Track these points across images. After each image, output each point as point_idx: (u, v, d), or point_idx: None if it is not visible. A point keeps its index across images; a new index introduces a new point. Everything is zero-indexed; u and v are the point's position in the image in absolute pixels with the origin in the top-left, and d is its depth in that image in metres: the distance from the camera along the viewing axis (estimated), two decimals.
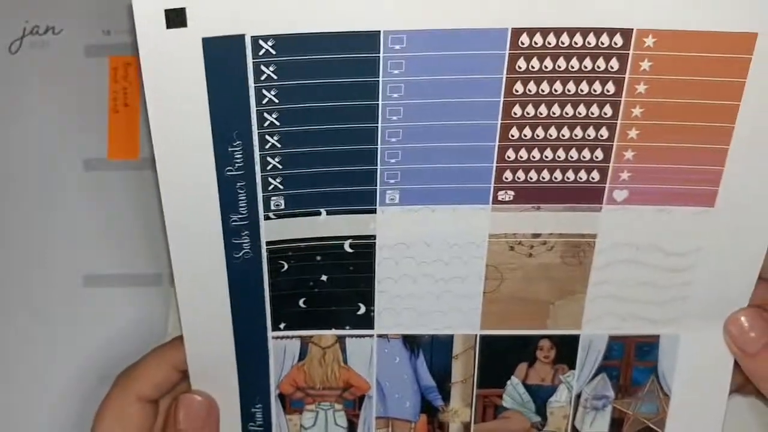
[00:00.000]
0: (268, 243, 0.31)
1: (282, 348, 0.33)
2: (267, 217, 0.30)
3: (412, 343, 0.34)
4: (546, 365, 0.34)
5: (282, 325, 0.33)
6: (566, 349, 0.34)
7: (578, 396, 0.35)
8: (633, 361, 0.34)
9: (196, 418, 0.33)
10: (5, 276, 0.37)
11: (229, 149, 0.28)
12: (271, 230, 0.31)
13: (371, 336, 0.33)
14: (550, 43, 0.27)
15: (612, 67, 0.28)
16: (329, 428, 0.35)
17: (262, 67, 0.27)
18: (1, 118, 0.37)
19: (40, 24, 0.37)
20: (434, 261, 0.32)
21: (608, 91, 0.28)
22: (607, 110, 0.29)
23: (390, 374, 0.34)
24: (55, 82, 0.37)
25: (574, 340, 0.34)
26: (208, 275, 0.31)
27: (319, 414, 0.35)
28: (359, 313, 0.33)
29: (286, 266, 0.31)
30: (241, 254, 0.31)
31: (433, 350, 0.34)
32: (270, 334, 0.33)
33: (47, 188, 0.37)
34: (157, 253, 0.37)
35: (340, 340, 0.33)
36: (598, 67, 0.28)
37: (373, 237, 0.31)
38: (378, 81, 0.27)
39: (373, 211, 0.30)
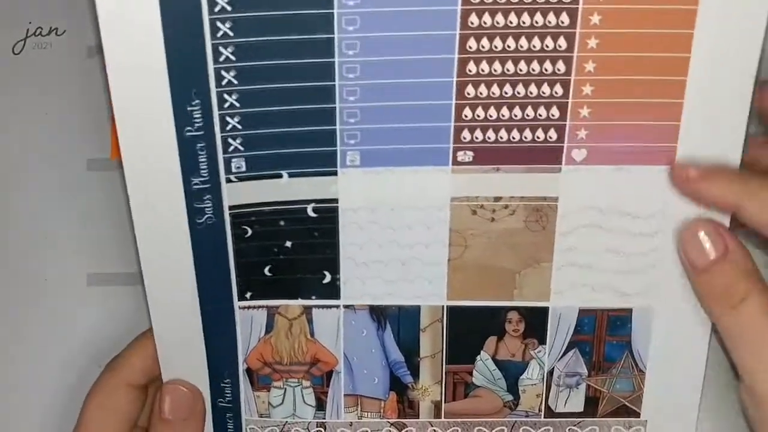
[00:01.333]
0: (231, 207, 0.32)
1: (249, 319, 0.34)
2: (228, 180, 0.31)
3: (379, 314, 0.34)
4: (515, 339, 0.34)
5: (248, 294, 0.33)
6: (535, 322, 0.34)
7: (551, 373, 0.35)
8: (605, 336, 0.34)
9: (181, 407, 0.34)
10: (8, 275, 0.38)
11: (188, 108, 0.29)
12: (234, 194, 0.32)
13: (338, 306, 0.34)
14: None
15: (563, 22, 0.29)
16: (297, 406, 0.35)
17: (218, 24, 0.28)
18: (4, 118, 0.38)
19: (43, 25, 0.38)
20: (398, 226, 0.33)
21: (560, 46, 0.29)
22: (560, 66, 0.30)
23: (357, 348, 0.35)
24: (58, 82, 0.38)
25: (543, 312, 0.34)
26: (171, 242, 0.32)
27: (287, 391, 0.35)
28: (325, 281, 0.33)
29: (250, 232, 0.32)
30: (204, 219, 0.32)
31: (400, 322, 0.34)
32: (236, 303, 0.33)
33: (50, 188, 0.38)
34: None
35: (307, 311, 0.34)
36: (549, 22, 0.29)
37: (336, 201, 0.32)
38: (333, 38, 0.29)
39: (335, 173, 0.31)
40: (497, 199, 0.32)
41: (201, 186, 0.31)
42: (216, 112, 0.30)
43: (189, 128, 0.30)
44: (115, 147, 0.37)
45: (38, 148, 0.38)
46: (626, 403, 0.35)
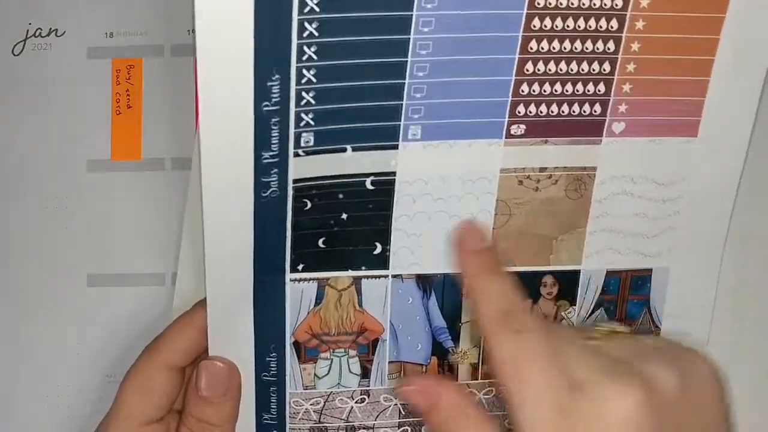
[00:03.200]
0: (295, 181, 0.33)
1: (299, 292, 0.35)
2: (296, 155, 0.32)
3: (424, 283, 0.36)
4: (549, 302, 0.38)
5: (300, 267, 0.35)
6: (568, 285, 0.37)
7: None
8: (628, 295, 0.38)
9: (218, 384, 0.35)
10: (9, 276, 0.39)
11: (268, 84, 0.30)
12: (299, 168, 0.33)
13: (386, 276, 0.36)
14: None
15: (617, 5, 0.32)
16: (343, 376, 0.37)
17: (307, 0, 0.29)
18: (4, 119, 0.39)
19: (43, 26, 0.39)
20: (448, 196, 0.35)
21: (612, 27, 0.33)
22: (611, 45, 0.33)
23: (403, 316, 0.37)
24: (58, 83, 0.39)
25: (574, 275, 0.37)
26: (235, 213, 0.32)
27: (333, 362, 0.37)
28: (375, 252, 0.35)
29: (309, 204, 0.34)
30: (268, 193, 0.33)
31: (444, 290, 0.37)
32: (288, 276, 0.35)
33: (51, 189, 0.39)
34: (161, 254, 0.39)
35: (356, 282, 0.36)
36: (605, 4, 0.32)
37: (394, 173, 0.34)
38: (411, 15, 0.31)
39: (396, 147, 0.33)
40: (542, 169, 0.35)
41: (270, 160, 0.32)
42: (293, 88, 0.31)
43: (266, 103, 0.31)
44: (116, 148, 0.39)
45: (38, 148, 0.39)
46: None
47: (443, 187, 0.35)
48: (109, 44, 0.39)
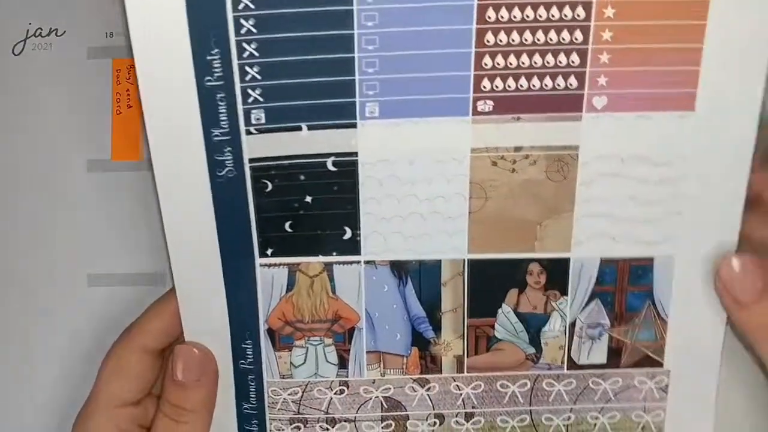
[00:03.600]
0: (251, 160, 0.32)
1: (270, 277, 0.35)
2: (248, 132, 0.32)
3: (399, 269, 0.35)
4: (537, 291, 0.35)
5: (269, 251, 0.34)
6: (557, 274, 0.35)
7: (573, 325, 0.36)
8: (627, 286, 0.35)
9: (192, 368, 0.35)
10: (9, 275, 0.39)
11: (208, 58, 0.30)
12: (254, 146, 0.32)
13: (358, 262, 0.35)
14: None
15: None
16: (320, 365, 0.36)
17: None
18: (4, 119, 0.39)
19: (43, 26, 0.39)
20: (417, 179, 0.33)
21: None
22: (580, 12, 0.30)
23: (379, 304, 0.35)
24: (58, 83, 0.39)
25: (564, 263, 0.35)
26: (192, 195, 0.32)
27: (309, 350, 0.36)
28: (345, 237, 0.34)
29: (270, 186, 0.33)
30: (224, 172, 0.32)
31: (421, 277, 0.35)
32: (257, 261, 0.34)
33: (51, 189, 0.39)
34: (160, 253, 0.39)
35: (328, 267, 0.35)
36: None
37: (355, 154, 0.33)
38: None
39: (354, 126, 0.32)
40: (518, 149, 0.33)
41: (221, 138, 0.32)
42: (235, 62, 0.30)
43: (209, 78, 0.30)
44: (116, 148, 0.39)
45: (38, 148, 0.39)
46: (649, 354, 0.36)
47: (411, 169, 0.33)
48: (109, 44, 0.39)
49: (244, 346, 0.36)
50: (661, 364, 0.36)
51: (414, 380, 0.36)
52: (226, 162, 0.32)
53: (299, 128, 0.32)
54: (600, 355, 0.36)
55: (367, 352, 0.36)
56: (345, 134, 0.32)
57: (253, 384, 0.36)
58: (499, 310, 0.36)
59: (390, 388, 0.37)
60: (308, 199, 0.34)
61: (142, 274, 0.39)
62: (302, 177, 0.33)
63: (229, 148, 0.32)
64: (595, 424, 0.37)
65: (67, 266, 0.38)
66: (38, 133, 0.39)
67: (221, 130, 0.32)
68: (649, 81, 0.31)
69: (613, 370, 0.36)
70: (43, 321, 0.39)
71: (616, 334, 0.36)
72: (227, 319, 0.35)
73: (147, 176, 0.39)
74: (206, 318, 0.35)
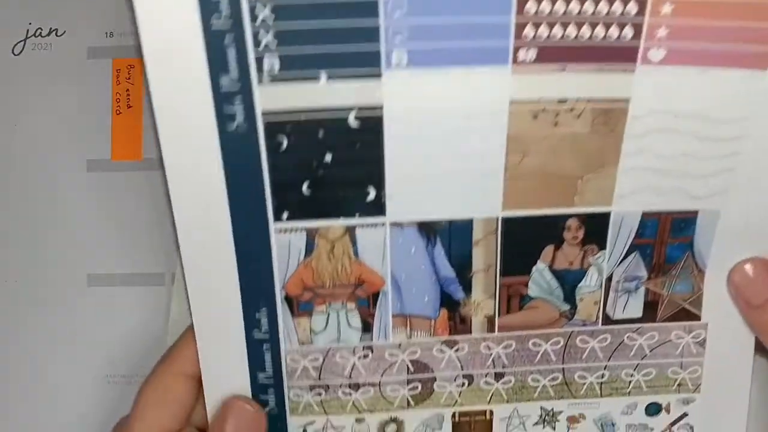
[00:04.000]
0: (264, 113, 0.29)
1: (286, 243, 0.32)
2: (261, 81, 0.28)
3: (428, 230, 0.32)
4: (574, 247, 0.33)
5: (285, 215, 0.31)
6: (596, 229, 0.32)
7: (609, 279, 0.34)
8: (667, 238, 0.33)
9: (244, 428, 0.33)
10: (9, 275, 0.38)
11: None
12: (267, 97, 0.29)
13: (383, 224, 0.32)
14: None
15: None
16: (342, 331, 0.34)
17: None
18: (4, 119, 0.38)
19: (43, 26, 0.38)
20: (449, 136, 0.30)
21: None
22: None
23: (406, 266, 0.33)
24: (58, 83, 0.38)
25: (604, 218, 0.32)
26: (199, 151, 0.29)
27: (330, 316, 0.33)
28: (369, 198, 0.31)
29: (285, 143, 0.29)
30: (234, 126, 0.29)
31: (451, 237, 0.32)
32: (272, 226, 0.31)
33: (51, 189, 0.38)
34: (161, 254, 0.38)
35: (350, 230, 0.32)
36: None
37: (380, 107, 0.29)
38: None
39: (379, 76, 0.28)
40: (562, 101, 0.30)
41: (231, 88, 0.28)
42: (244, 1, 0.26)
43: (216, 16, 0.26)
44: (116, 148, 0.38)
45: (38, 148, 0.38)
46: (686, 306, 0.34)
47: (442, 124, 0.30)
48: (109, 44, 0.38)
49: (258, 315, 0.33)
50: (698, 318, 0.35)
51: (442, 342, 0.35)
52: (237, 115, 0.29)
53: (317, 78, 0.28)
54: (636, 309, 0.35)
55: (392, 315, 0.34)
56: (368, 85, 0.29)
57: (268, 353, 0.34)
58: (534, 268, 0.33)
59: (417, 351, 0.35)
60: (328, 157, 0.30)
61: (142, 274, 0.38)
62: (321, 133, 0.30)
63: (239, 99, 0.28)
64: (629, 382, 0.36)
65: (67, 266, 0.38)
66: (38, 133, 0.38)
67: (230, 79, 0.28)
68: (716, 36, 0.28)
69: (649, 324, 0.35)
70: (43, 321, 0.38)
71: (652, 285, 0.34)
72: (238, 288, 0.32)
73: (147, 176, 0.39)
74: (215, 287, 0.32)
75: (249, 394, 0.34)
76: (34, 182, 0.38)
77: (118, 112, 0.38)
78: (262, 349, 0.34)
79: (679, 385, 0.36)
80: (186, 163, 0.29)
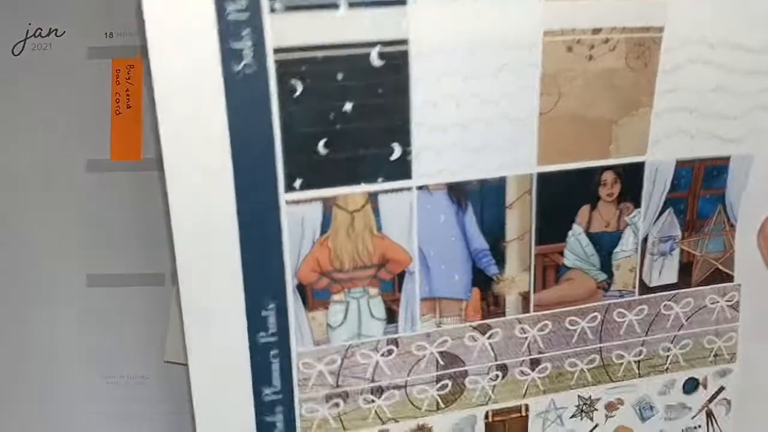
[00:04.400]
0: (276, 51, 0.24)
1: (299, 218, 0.26)
2: (272, 9, 0.24)
3: (458, 193, 0.28)
4: (610, 205, 0.30)
5: (298, 183, 0.26)
6: (631, 182, 0.30)
7: (645, 240, 0.30)
8: (700, 190, 0.30)
9: None
10: (9, 275, 0.38)
11: None
12: (279, 30, 0.24)
13: (409, 189, 0.27)
14: None
15: None
16: (363, 323, 0.28)
17: None
18: (4, 119, 0.38)
19: (43, 26, 0.38)
20: (481, 74, 0.26)
21: None
22: None
23: (434, 239, 0.28)
24: (58, 83, 0.38)
25: (639, 169, 0.29)
26: (198, 96, 0.24)
27: (350, 305, 0.28)
28: (393, 157, 0.27)
29: (300, 88, 0.25)
30: (241, 66, 0.24)
31: (483, 201, 0.28)
32: (283, 197, 0.26)
33: (51, 189, 0.38)
34: (160, 254, 0.38)
35: (372, 199, 0.27)
36: None
37: (406, 42, 0.25)
38: None
39: (403, 2, 0.25)
40: (596, 31, 0.27)
41: (238, 15, 0.23)
42: None
43: None
44: (116, 148, 0.38)
45: (38, 148, 0.38)
46: (719, 266, 0.32)
47: (472, 61, 0.26)
48: (109, 44, 0.38)
49: (264, 313, 0.27)
50: (731, 278, 0.32)
51: (474, 328, 0.30)
52: (245, 51, 0.24)
53: (336, 6, 0.24)
54: (671, 273, 0.32)
55: (420, 299, 0.29)
56: (393, 14, 0.25)
57: (276, 361, 0.28)
58: (570, 233, 0.30)
59: (447, 341, 0.30)
60: (347, 107, 0.26)
61: (142, 274, 0.38)
62: (340, 76, 0.25)
63: (248, 31, 0.24)
64: (667, 357, 0.32)
65: (67, 266, 0.38)
66: (38, 133, 0.38)
67: (237, 5, 0.23)
68: None
69: (684, 290, 0.32)
70: (42, 321, 0.37)
71: (686, 246, 0.31)
72: (241, 280, 0.26)
73: (147, 176, 0.38)
74: (215, 281, 0.26)
75: (251, 417, 0.28)
76: (33, 182, 0.38)
77: (117, 112, 0.38)
78: (268, 356, 0.28)
79: (715, 355, 0.33)
80: (181, 113, 0.24)
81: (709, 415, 0.33)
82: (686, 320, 0.32)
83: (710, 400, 0.33)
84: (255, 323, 0.27)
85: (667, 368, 0.32)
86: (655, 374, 0.32)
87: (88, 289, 0.38)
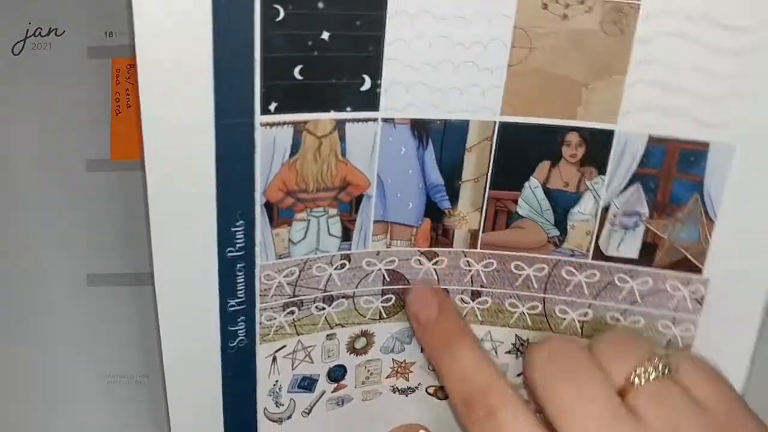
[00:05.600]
0: None
1: (271, 140, 0.27)
2: None
3: (421, 130, 0.28)
4: (572, 166, 0.28)
5: (273, 106, 0.27)
6: (597, 148, 0.28)
7: (606, 209, 0.29)
8: (675, 172, 0.29)
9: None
10: (9, 275, 0.36)
11: None
12: None
13: (375, 120, 0.28)
14: None
15: None
16: (321, 239, 0.29)
17: None
18: (3, 118, 0.36)
19: (43, 26, 0.36)
20: (453, 17, 0.26)
21: None
22: None
23: (393, 169, 0.29)
24: (57, 83, 0.36)
25: (607, 136, 0.28)
26: (185, 21, 0.24)
27: (310, 223, 0.29)
28: (363, 88, 0.27)
29: (282, 13, 0.26)
30: None
31: (444, 140, 0.28)
32: (258, 119, 0.27)
33: (50, 188, 0.36)
34: None
35: (339, 126, 0.28)
36: None
37: None
38: None
39: None
40: None
41: None
42: None
43: None
44: (116, 148, 0.36)
45: (38, 148, 0.36)
46: (688, 256, 0.29)
47: (447, 3, 0.26)
48: (109, 44, 0.36)
49: (233, 229, 0.28)
50: (699, 270, 0.30)
51: (421, 253, 0.30)
52: None
53: None
54: (632, 248, 0.30)
55: (374, 221, 0.29)
56: None
57: (242, 274, 0.29)
58: (526, 184, 0.29)
59: (394, 261, 0.30)
60: (325, 35, 0.26)
61: (142, 274, 0.36)
62: (321, 4, 0.26)
63: None
64: (614, 327, 0.31)
65: (67, 266, 0.36)
66: (38, 132, 0.36)
67: None
68: None
69: (644, 268, 0.30)
70: (43, 321, 0.36)
71: (653, 227, 0.29)
72: (213, 196, 0.27)
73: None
74: (187, 196, 0.26)
75: (217, 327, 0.29)
76: (33, 181, 0.36)
77: (117, 112, 0.36)
78: (234, 270, 0.28)
79: (668, 342, 0.31)
80: (163, 30, 0.24)
81: None
82: (641, 298, 0.30)
83: None
84: (224, 238, 0.28)
85: None
86: None
87: (88, 288, 0.36)
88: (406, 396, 0.32)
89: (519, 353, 0.31)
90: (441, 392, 0.32)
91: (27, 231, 0.36)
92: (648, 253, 0.30)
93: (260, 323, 0.30)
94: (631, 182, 0.29)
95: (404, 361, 0.32)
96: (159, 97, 0.25)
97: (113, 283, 0.36)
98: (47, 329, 0.36)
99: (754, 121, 0.27)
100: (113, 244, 0.36)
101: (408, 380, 0.32)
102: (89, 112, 0.36)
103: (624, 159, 0.28)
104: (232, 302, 0.29)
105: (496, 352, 0.31)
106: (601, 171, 0.28)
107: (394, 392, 0.32)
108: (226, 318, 0.29)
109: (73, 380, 0.35)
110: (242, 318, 0.29)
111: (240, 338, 0.29)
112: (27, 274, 0.36)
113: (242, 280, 0.29)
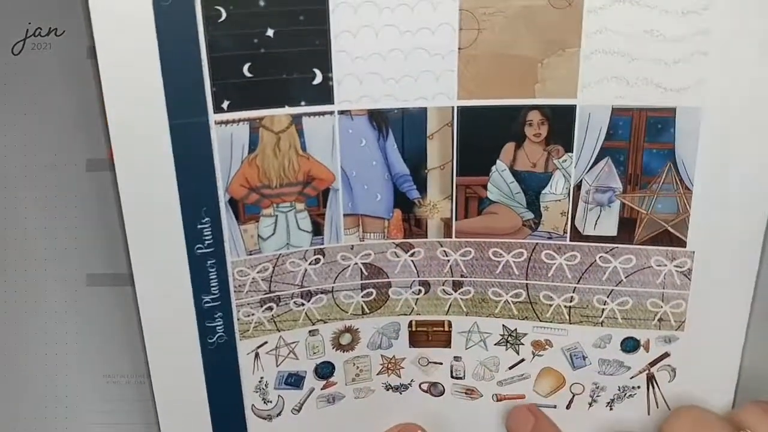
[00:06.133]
0: None
1: (228, 137, 0.27)
2: None
3: (379, 120, 0.27)
4: (537, 145, 0.27)
5: (226, 104, 0.26)
6: (560, 125, 0.27)
7: (578, 187, 0.28)
8: (644, 142, 0.27)
9: None
10: (7, 275, 0.36)
11: None
12: None
13: (331, 113, 0.27)
14: None
15: None
16: (292, 234, 0.29)
17: None
18: (3, 118, 0.36)
19: (43, 26, 0.35)
20: (397, 4, 0.25)
21: None
22: None
23: (357, 161, 0.28)
24: (57, 82, 0.35)
25: (569, 112, 0.27)
26: (133, 27, 0.25)
27: (278, 218, 0.29)
28: (315, 82, 0.26)
29: (224, 14, 0.25)
30: None
31: (404, 129, 0.27)
32: (212, 118, 0.26)
33: (49, 188, 0.36)
34: None
35: (296, 121, 0.27)
36: None
37: None
38: None
39: None
40: None
41: None
42: None
43: None
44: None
45: (38, 148, 0.35)
46: (669, 228, 0.28)
47: None
48: None
49: (200, 226, 0.28)
50: (683, 243, 0.28)
51: (396, 245, 0.29)
52: None
53: None
54: (610, 225, 0.28)
55: (344, 215, 0.29)
56: None
57: (213, 270, 0.28)
58: (493, 168, 0.28)
59: (370, 254, 0.29)
60: (270, 32, 0.26)
61: None
62: (262, 2, 0.25)
63: None
64: (602, 310, 0.29)
65: (67, 266, 0.35)
66: (37, 132, 0.35)
67: None
68: None
69: (625, 245, 0.28)
70: (42, 321, 0.35)
71: (629, 201, 0.28)
72: (176, 194, 0.27)
73: None
74: (151, 195, 0.27)
75: (193, 324, 0.29)
76: (32, 181, 0.35)
77: None
78: (205, 266, 0.28)
79: (660, 320, 0.29)
80: (116, 39, 0.25)
81: (651, 378, 0.30)
82: (626, 277, 0.29)
83: (652, 364, 0.30)
84: (192, 236, 0.28)
85: (602, 322, 0.29)
86: (589, 324, 0.30)
87: (88, 288, 0.35)
88: (400, 394, 0.31)
89: (508, 344, 0.30)
90: (434, 389, 0.31)
91: (27, 230, 0.35)
92: (627, 229, 0.28)
93: (238, 319, 0.29)
94: (600, 157, 0.27)
95: (393, 357, 0.31)
96: (119, 100, 0.25)
97: (113, 283, 0.35)
98: (47, 329, 0.35)
99: (718, 81, 0.25)
100: (113, 244, 0.34)
101: (400, 377, 0.31)
102: (89, 112, 0.34)
103: (589, 133, 0.27)
104: (207, 298, 0.29)
105: (485, 344, 0.30)
106: (568, 148, 0.27)
107: (387, 390, 0.31)
108: (203, 314, 0.29)
109: (73, 380, 0.35)
110: (219, 314, 0.29)
111: (219, 334, 0.29)
112: (27, 274, 0.35)
113: (215, 276, 0.28)
